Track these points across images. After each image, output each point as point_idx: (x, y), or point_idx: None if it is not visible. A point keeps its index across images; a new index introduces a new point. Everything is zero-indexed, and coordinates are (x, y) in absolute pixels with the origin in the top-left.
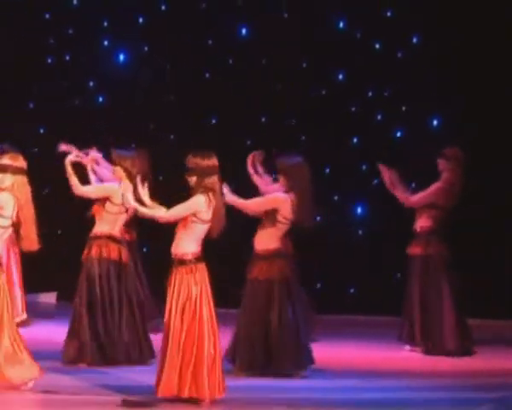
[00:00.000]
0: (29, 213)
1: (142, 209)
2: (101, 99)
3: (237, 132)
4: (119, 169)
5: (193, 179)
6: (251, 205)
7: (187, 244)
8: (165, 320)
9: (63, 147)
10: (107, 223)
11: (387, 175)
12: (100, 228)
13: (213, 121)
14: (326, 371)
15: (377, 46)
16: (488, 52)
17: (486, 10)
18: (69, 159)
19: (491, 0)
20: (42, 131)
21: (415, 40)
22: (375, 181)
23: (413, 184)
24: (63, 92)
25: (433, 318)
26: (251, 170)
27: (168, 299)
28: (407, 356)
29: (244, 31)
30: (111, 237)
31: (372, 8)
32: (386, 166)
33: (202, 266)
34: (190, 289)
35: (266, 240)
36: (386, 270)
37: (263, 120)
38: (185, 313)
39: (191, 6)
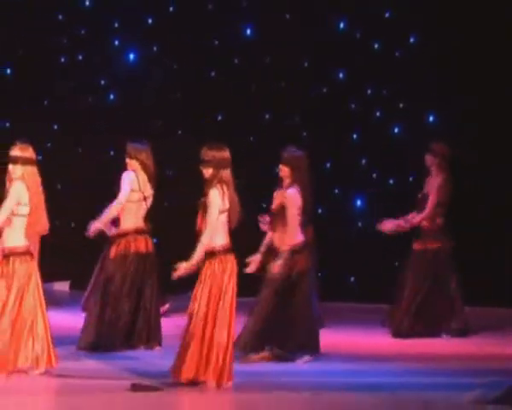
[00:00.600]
0: (40, 202)
1: (197, 256)
2: (112, 96)
3: (242, 129)
4: (134, 162)
5: (209, 171)
6: (292, 228)
7: (214, 237)
8: (189, 308)
9: (91, 234)
10: (131, 215)
11: (393, 224)
12: (126, 224)
13: (219, 118)
14: (326, 356)
15: (376, 46)
16: (488, 52)
17: (486, 10)
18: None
19: (491, 0)
20: (55, 127)
21: (412, 40)
22: (374, 175)
23: (411, 178)
24: (76, 90)
25: (434, 304)
26: (264, 228)
27: (196, 288)
28: (404, 342)
29: (248, 31)
30: (138, 230)
31: (371, 9)
32: (382, 222)
33: (232, 258)
34: (218, 277)
35: (290, 236)
36: (385, 260)
37: (267, 116)
38: (211, 300)
39: (198, 7)
